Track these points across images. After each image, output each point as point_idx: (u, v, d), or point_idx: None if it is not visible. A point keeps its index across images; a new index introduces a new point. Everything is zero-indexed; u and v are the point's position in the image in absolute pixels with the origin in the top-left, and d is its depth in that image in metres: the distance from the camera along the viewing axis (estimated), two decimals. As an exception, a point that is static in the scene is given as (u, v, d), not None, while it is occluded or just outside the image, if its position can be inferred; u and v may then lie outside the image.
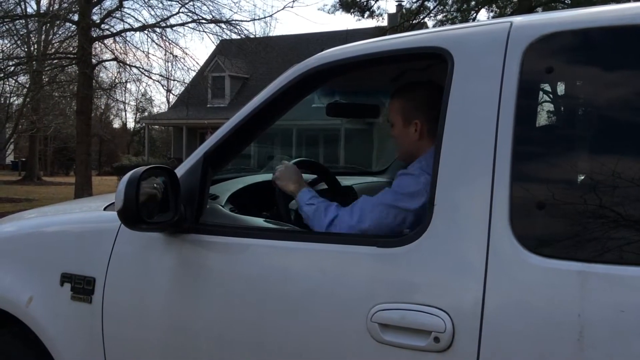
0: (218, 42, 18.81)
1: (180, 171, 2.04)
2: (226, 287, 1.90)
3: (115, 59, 16.87)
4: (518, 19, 1.66)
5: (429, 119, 2.11)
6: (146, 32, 16.25)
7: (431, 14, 19.50)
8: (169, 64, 18.09)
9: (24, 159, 33.95)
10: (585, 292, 1.37)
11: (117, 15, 16.59)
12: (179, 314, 1.97)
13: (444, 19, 19.21)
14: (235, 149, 2.13)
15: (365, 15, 19.63)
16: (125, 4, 16.90)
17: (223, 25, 16.14)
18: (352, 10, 19.57)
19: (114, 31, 16.71)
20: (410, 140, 2.18)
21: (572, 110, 1.73)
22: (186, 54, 24.04)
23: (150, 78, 17.13)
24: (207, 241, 1.98)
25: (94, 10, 16.53)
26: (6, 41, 17.35)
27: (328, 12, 23.01)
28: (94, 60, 17.09)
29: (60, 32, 19.90)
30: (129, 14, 24.63)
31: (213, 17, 16.06)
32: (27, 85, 18.17)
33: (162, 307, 2.02)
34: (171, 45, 16.50)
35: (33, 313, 2.24)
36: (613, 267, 1.37)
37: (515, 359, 1.43)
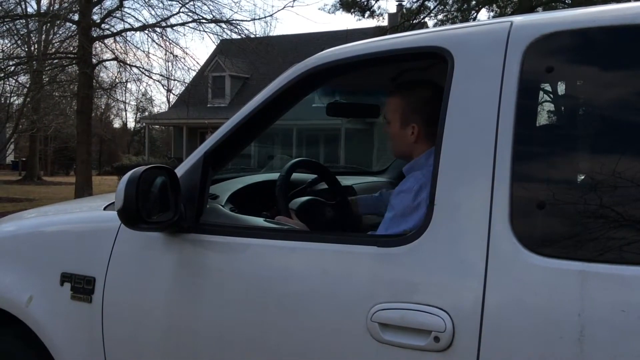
0: (218, 41, 18.82)
1: (180, 171, 2.04)
2: (226, 287, 1.90)
3: (116, 58, 16.88)
4: (518, 19, 1.66)
5: (427, 123, 2.11)
6: (146, 31, 16.26)
7: (431, 14, 19.51)
8: (170, 63, 18.13)
9: (24, 159, 33.96)
10: (585, 292, 1.37)
11: (117, 15, 16.62)
12: (179, 314, 1.97)
13: (444, 18, 19.21)
14: (236, 148, 2.13)
15: (366, 15, 19.64)
16: (126, 3, 16.96)
17: (223, 25, 16.15)
18: (352, 10, 19.58)
19: (115, 31, 16.73)
20: (406, 142, 2.18)
21: (572, 109, 1.73)
22: (186, 53, 24.05)
23: (151, 78, 17.16)
24: (207, 241, 1.98)
25: (94, 10, 16.55)
26: (6, 41, 17.39)
27: (328, 12, 23.01)
28: (94, 60, 17.10)
29: (60, 32, 19.93)
30: (129, 14, 24.74)
31: (213, 16, 16.08)
32: (28, 85, 18.16)
33: (162, 306, 2.01)
34: (171, 45, 16.52)
35: (33, 313, 2.24)
36: (613, 266, 1.37)
37: (516, 358, 1.43)
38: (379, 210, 2.66)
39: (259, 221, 2.13)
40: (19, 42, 17.77)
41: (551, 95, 1.84)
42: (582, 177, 1.55)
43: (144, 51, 17.01)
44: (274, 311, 1.79)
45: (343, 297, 1.68)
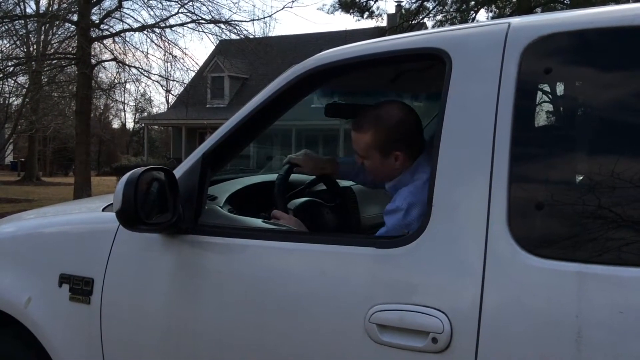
0: (217, 42, 18.81)
1: (178, 172, 2.04)
2: (225, 288, 1.90)
3: (115, 59, 16.87)
4: (516, 20, 1.66)
5: (408, 145, 2.08)
6: (145, 32, 16.25)
7: (430, 15, 19.54)
8: (168, 64, 18.17)
9: (23, 160, 33.94)
10: (583, 293, 1.37)
11: (116, 15, 16.61)
12: (178, 315, 1.97)
13: (443, 19, 19.23)
14: (234, 149, 2.13)
15: (365, 16, 19.66)
16: (125, 4, 16.89)
17: (222, 26, 16.15)
18: (351, 11, 19.59)
19: (113, 31, 16.73)
20: (390, 168, 2.12)
21: (570, 111, 1.73)
22: (185, 54, 24.11)
23: (150, 78, 17.16)
24: (205, 242, 1.98)
25: (93, 11, 16.54)
26: (5, 41, 17.38)
27: (327, 12, 23.10)
28: (93, 61, 17.09)
29: (59, 33, 19.95)
30: (128, 14, 24.67)
31: (212, 17, 16.08)
32: (26, 86, 18.17)
33: (161, 307, 2.01)
34: (170, 46, 16.52)
35: (32, 314, 2.24)
36: (611, 267, 1.38)
37: (513, 359, 1.43)
38: (358, 178, 2.64)
39: (258, 222, 2.13)
40: (17, 42, 17.79)
41: (549, 97, 1.84)
42: (580, 178, 1.55)
43: (142, 52, 17.11)
44: (273, 312, 1.79)
45: (341, 298, 1.68)
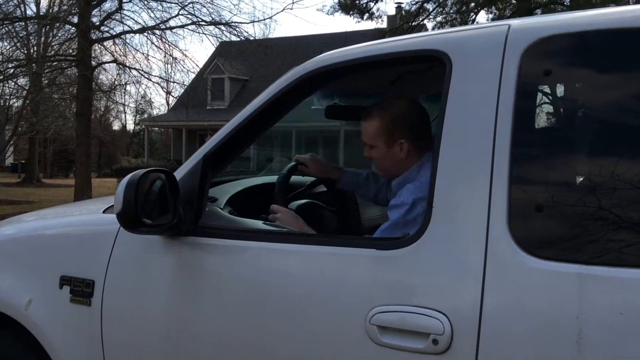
0: (218, 44, 18.82)
1: (179, 173, 2.04)
2: (225, 290, 1.90)
3: (115, 61, 16.87)
4: (516, 22, 1.66)
5: (414, 136, 2.11)
6: (146, 34, 16.25)
7: (430, 16, 19.53)
8: (169, 66, 18.07)
9: (23, 161, 33.92)
10: (583, 294, 1.38)
11: (116, 17, 16.60)
12: (178, 317, 1.98)
13: (443, 20, 19.23)
14: (235, 151, 2.13)
15: (365, 17, 19.66)
16: (125, 6, 16.87)
17: (222, 27, 16.15)
18: (351, 12, 19.60)
19: (114, 33, 16.71)
20: (395, 159, 2.15)
21: (570, 112, 1.73)
22: (186, 56, 24.15)
23: (150, 80, 17.13)
24: (206, 244, 1.98)
25: (93, 13, 16.53)
26: (6, 43, 17.38)
27: (327, 14, 23.11)
28: (93, 63, 17.09)
29: (59, 35, 19.94)
30: (128, 16, 24.71)
31: (212, 19, 16.07)
32: (27, 88, 18.16)
33: (161, 309, 2.02)
34: (171, 47, 16.52)
35: (32, 316, 2.24)
36: (611, 269, 1.38)
37: (514, 361, 1.43)
38: (359, 190, 2.67)
39: (258, 224, 2.13)
40: (18, 44, 17.77)
41: (549, 98, 1.85)
42: (580, 180, 1.55)
43: (143, 53, 17.15)
44: (273, 314, 1.79)
45: (342, 300, 1.68)
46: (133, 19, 21.60)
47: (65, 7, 17.84)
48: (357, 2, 19.31)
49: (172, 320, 1.99)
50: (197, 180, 2.01)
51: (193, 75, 18.79)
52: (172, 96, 20.26)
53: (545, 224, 1.50)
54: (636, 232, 1.42)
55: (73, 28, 17.11)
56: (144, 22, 22.08)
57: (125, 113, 51.92)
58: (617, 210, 1.43)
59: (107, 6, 17.17)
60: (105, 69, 21.32)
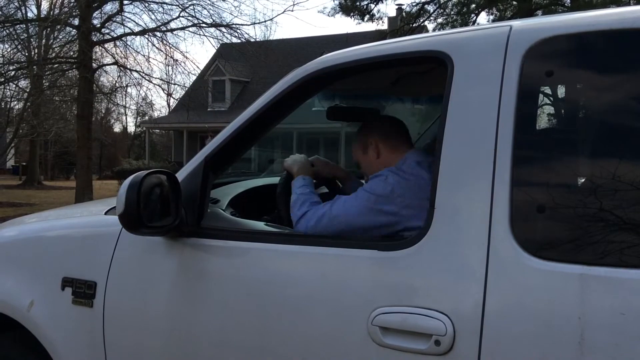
0: (218, 45, 18.85)
1: (181, 175, 2.05)
2: (227, 291, 1.90)
3: (116, 63, 16.90)
4: (517, 23, 1.66)
5: (385, 136, 2.23)
6: (147, 36, 16.29)
7: (431, 17, 19.53)
8: (170, 67, 18.15)
9: (24, 164, 33.95)
10: (585, 295, 1.38)
11: (117, 19, 16.65)
12: (180, 318, 1.98)
13: (444, 22, 19.23)
14: (236, 153, 2.13)
15: (365, 19, 19.65)
16: (126, 8, 16.98)
17: (223, 29, 16.19)
18: (352, 14, 19.59)
19: (115, 35, 16.76)
20: (372, 159, 2.23)
21: (572, 113, 1.73)
22: (187, 57, 24.11)
23: (151, 82, 17.18)
24: (208, 245, 1.98)
25: (94, 15, 16.58)
26: (7, 45, 17.42)
27: (328, 15, 23.10)
28: (94, 65, 17.13)
29: (60, 37, 19.98)
30: (129, 18, 24.79)
31: (213, 21, 16.12)
32: (28, 90, 18.20)
33: (163, 311, 2.02)
34: (172, 49, 16.57)
35: (34, 317, 2.24)
36: (613, 269, 1.38)
37: (516, 362, 1.43)
38: None
39: (260, 225, 2.13)
40: (19, 46, 17.83)
41: (551, 99, 1.85)
42: (582, 181, 1.55)
43: (144, 55, 17.17)
44: (275, 315, 1.79)
45: (344, 301, 1.68)
46: (134, 21, 21.66)
47: (66, 9, 17.87)
48: (358, 3, 19.32)
49: (174, 322, 1.99)
50: (199, 181, 2.01)
51: (194, 77, 18.89)
52: (173, 98, 20.34)
53: (547, 225, 1.50)
54: (638, 233, 1.42)
55: (74, 30, 17.15)
56: (145, 24, 22.14)
57: (126, 115, 52.03)
58: (619, 211, 1.43)
59: (108, 8, 17.19)
60: (106, 71, 21.42)
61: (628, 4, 16.47)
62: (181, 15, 16.24)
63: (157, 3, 16.41)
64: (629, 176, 1.42)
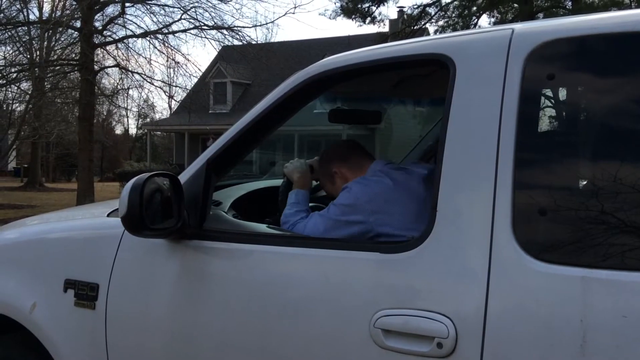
0: (220, 48, 18.86)
1: (183, 177, 2.05)
2: (229, 293, 1.91)
3: (118, 65, 16.93)
4: (519, 26, 1.67)
5: (344, 159, 2.34)
6: (148, 38, 16.31)
7: (432, 20, 19.55)
8: (171, 70, 18.13)
9: (26, 166, 34.00)
10: (587, 298, 1.38)
11: (119, 21, 16.69)
12: (182, 320, 1.98)
13: (445, 24, 19.25)
14: (238, 155, 2.13)
15: (367, 21, 19.67)
16: (128, 10, 16.95)
17: (225, 32, 16.21)
18: (353, 16, 19.62)
19: (116, 38, 16.78)
20: (339, 186, 2.26)
21: (574, 116, 1.73)
22: (188, 60, 24.17)
23: (152, 84, 17.20)
24: (210, 247, 1.98)
25: (96, 17, 16.61)
26: (8, 48, 17.44)
27: (329, 18, 23.11)
28: (96, 67, 17.16)
29: (62, 39, 20.02)
30: (131, 21, 24.75)
31: (215, 23, 16.14)
32: (30, 92, 18.22)
33: (166, 312, 2.02)
34: (173, 52, 16.62)
35: (36, 319, 2.24)
36: (616, 272, 1.38)
37: (518, 364, 1.43)
38: None
39: (262, 227, 2.13)
40: (21, 49, 17.82)
41: (552, 102, 1.85)
42: (584, 184, 1.55)
43: (145, 58, 17.16)
44: (277, 317, 1.79)
45: (346, 303, 1.68)
46: (136, 24, 21.74)
47: (68, 11, 17.90)
48: (360, 6, 19.34)
49: (177, 324, 1.99)
50: (201, 183, 2.01)
51: (195, 79, 18.89)
52: (175, 100, 20.36)
53: (549, 228, 1.50)
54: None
55: (76, 32, 17.18)
56: (147, 26, 22.13)
57: (127, 117, 52.05)
58: (620, 213, 1.43)
59: (110, 10, 17.23)
60: (107, 73, 21.33)
61: (630, 7, 16.47)
62: (183, 17, 16.27)
63: (159, 5, 16.45)
64: (630, 179, 1.42)
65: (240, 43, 16.49)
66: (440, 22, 19.46)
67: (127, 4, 16.27)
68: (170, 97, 19.06)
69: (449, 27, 18.89)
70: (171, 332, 2.00)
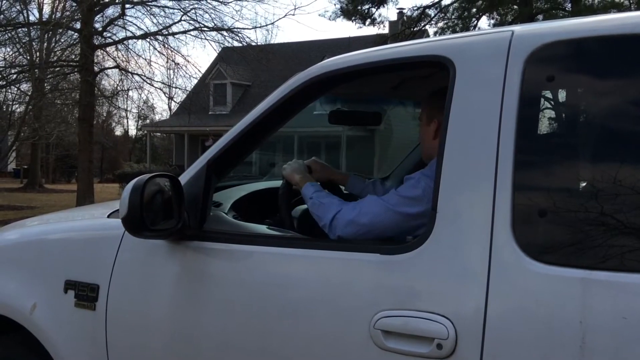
0: (220, 49, 18.87)
1: (184, 178, 2.05)
2: (229, 294, 1.91)
3: (117, 66, 16.93)
4: (519, 28, 1.67)
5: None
6: (148, 39, 16.32)
7: (432, 22, 19.56)
8: (171, 71, 18.11)
9: (25, 167, 33.99)
10: (587, 299, 1.38)
11: (119, 23, 16.69)
12: (182, 321, 1.98)
13: (444, 26, 19.25)
14: (239, 156, 2.14)
15: (367, 23, 19.68)
16: (128, 12, 16.97)
17: (225, 33, 16.22)
18: (353, 18, 19.62)
19: (116, 39, 16.79)
20: (428, 138, 2.16)
21: (573, 118, 1.74)
22: (188, 61, 24.08)
23: (152, 85, 17.21)
24: (210, 248, 1.99)
25: (96, 18, 16.61)
26: (8, 49, 17.44)
27: (329, 19, 23.12)
28: (96, 68, 17.16)
29: (62, 40, 20.02)
30: (131, 22, 24.81)
31: (215, 25, 16.15)
32: (30, 93, 18.21)
33: (166, 313, 2.02)
34: (173, 53, 16.59)
35: (37, 320, 2.24)
36: (615, 274, 1.38)
37: (518, 365, 1.43)
38: (364, 194, 2.63)
39: (262, 229, 2.13)
40: (21, 50, 17.84)
41: (552, 104, 1.85)
42: (584, 185, 1.56)
43: (145, 59, 17.18)
44: (277, 318, 1.80)
45: (346, 305, 1.69)
46: (136, 25, 21.60)
47: (68, 12, 17.90)
48: (359, 7, 19.34)
49: (177, 325, 1.99)
50: (201, 185, 2.01)
51: (195, 81, 18.86)
52: (175, 101, 20.36)
53: (549, 229, 1.51)
54: (639, 237, 1.42)
55: (76, 34, 17.19)
56: (147, 27, 22.19)
57: (127, 118, 52.06)
58: (620, 215, 1.44)
59: (110, 12, 17.23)
60: (107, 75, 21.31)
61: (629, 9, 16.49)
62: (183, 19, 16.28)
63: (159, 7, 16.47)
64: (630, 180, 1.43)
65: (240, 44, 16.50)
66: (440, 24, 19.48)
67: (127, 6, 16.28)
68: (170, 98, 19.06)
69: (449, 29, 18.90)
70: (171, 333, 2.00)
